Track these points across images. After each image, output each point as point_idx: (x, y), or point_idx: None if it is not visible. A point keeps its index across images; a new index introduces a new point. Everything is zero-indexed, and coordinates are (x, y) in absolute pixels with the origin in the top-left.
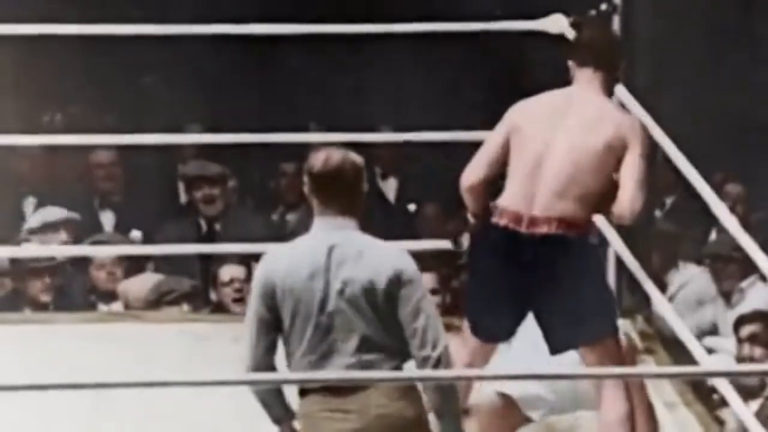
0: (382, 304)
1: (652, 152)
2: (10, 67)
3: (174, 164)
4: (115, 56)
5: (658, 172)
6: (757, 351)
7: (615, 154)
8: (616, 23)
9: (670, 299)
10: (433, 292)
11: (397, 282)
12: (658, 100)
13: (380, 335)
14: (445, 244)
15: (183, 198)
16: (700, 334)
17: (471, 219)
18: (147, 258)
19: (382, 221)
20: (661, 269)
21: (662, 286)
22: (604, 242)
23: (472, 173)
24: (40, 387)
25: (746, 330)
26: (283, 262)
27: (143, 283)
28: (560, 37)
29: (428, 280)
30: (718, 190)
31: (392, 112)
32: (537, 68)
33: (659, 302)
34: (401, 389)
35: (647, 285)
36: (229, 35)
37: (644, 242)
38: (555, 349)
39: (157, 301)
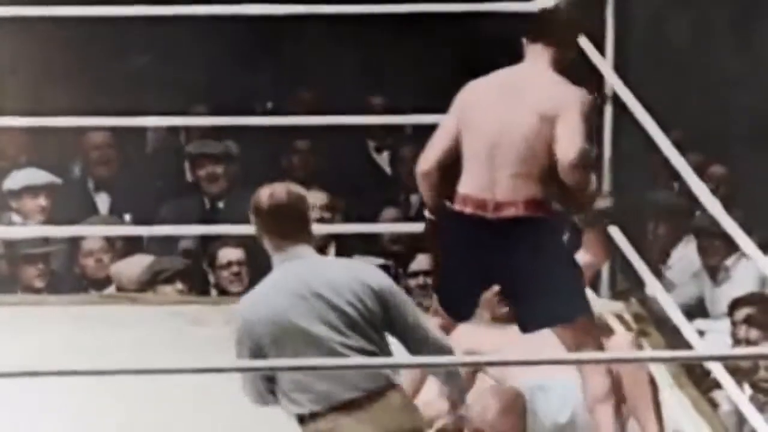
0: (380, 318)
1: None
2: (9, 48)
3: (171, 144)
4: (110, 36)
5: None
6: (753, 333)
7: (552, 126)
8: (609, 8)
9: (669, 269)
10: (427, 273)
11: (387, 294)
12: (651, 84)
13: (384, 351)
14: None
15: (189, 177)
16: (687, 311)
17: (428, 215)
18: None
19: (378, 193)
20: (667, 244)
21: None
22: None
23: (426, 159)
24: (35, 374)
25: (742, 312)
26: (262, 309)
27: (136, 264)
28: None
29: (423, 261)
30: (701, 171)
31: (391, 90)
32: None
33: (652, 283)
34: (409, 402)
35: (639, 266)
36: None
37: (639, 222)
38: (526, 328)
39: (151, 281)
